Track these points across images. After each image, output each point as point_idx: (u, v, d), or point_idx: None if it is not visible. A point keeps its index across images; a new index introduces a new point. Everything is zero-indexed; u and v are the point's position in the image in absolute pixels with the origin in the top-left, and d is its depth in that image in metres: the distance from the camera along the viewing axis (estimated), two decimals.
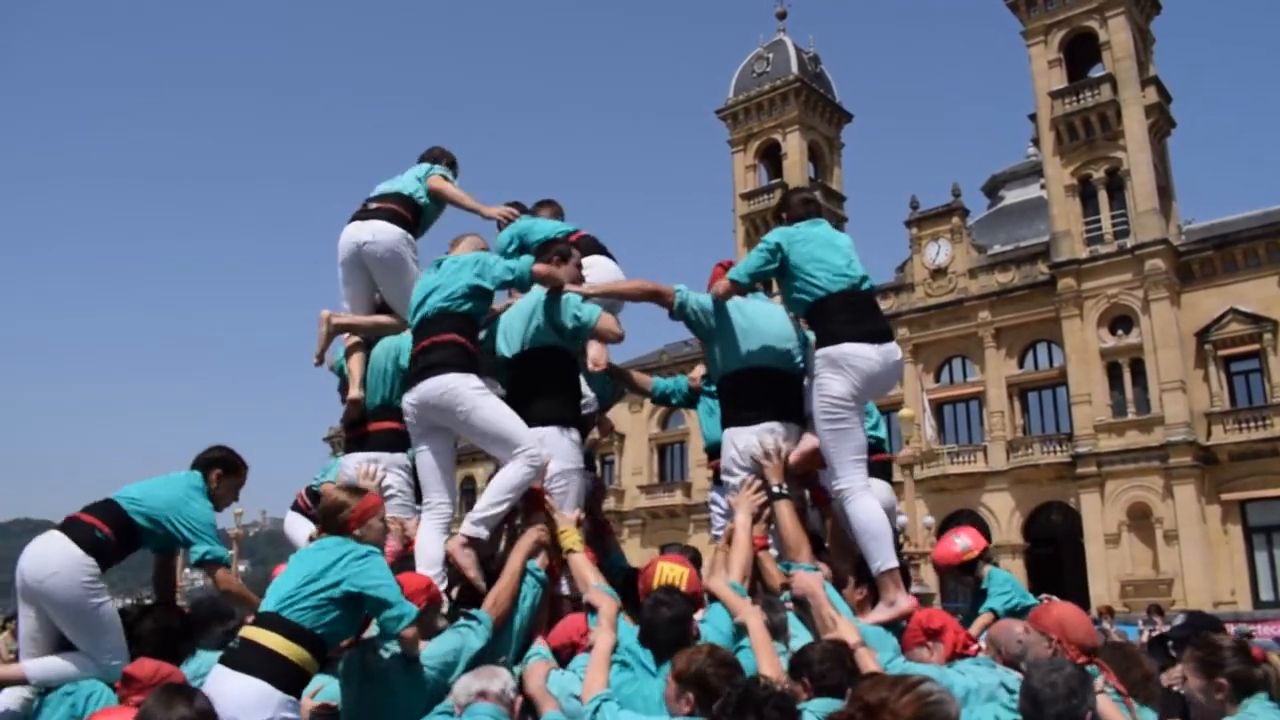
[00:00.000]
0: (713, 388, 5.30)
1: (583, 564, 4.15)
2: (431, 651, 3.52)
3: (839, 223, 41.68)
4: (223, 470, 4.48)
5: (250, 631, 3.36)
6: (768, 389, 4.65)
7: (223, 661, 3.31)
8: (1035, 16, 35.63)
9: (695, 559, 5.31)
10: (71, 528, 3.96)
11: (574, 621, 3.87)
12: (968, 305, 35.86)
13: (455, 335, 4.41)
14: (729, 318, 4.70)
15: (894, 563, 4.31)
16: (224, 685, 3.19)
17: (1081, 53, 35.42)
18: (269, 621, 3.35)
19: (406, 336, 4.93)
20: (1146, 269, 31.46)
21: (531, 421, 4.43)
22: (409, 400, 4.47)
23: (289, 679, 3.27)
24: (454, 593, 4.40)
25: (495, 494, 4.26)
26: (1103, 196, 33.49)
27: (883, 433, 5.54)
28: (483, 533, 4.24)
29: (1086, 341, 32.44)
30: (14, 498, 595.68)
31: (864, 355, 4.41)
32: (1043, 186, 37.07)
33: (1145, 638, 11.83)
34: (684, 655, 3.12)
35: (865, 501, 4.36)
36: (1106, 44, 34.02)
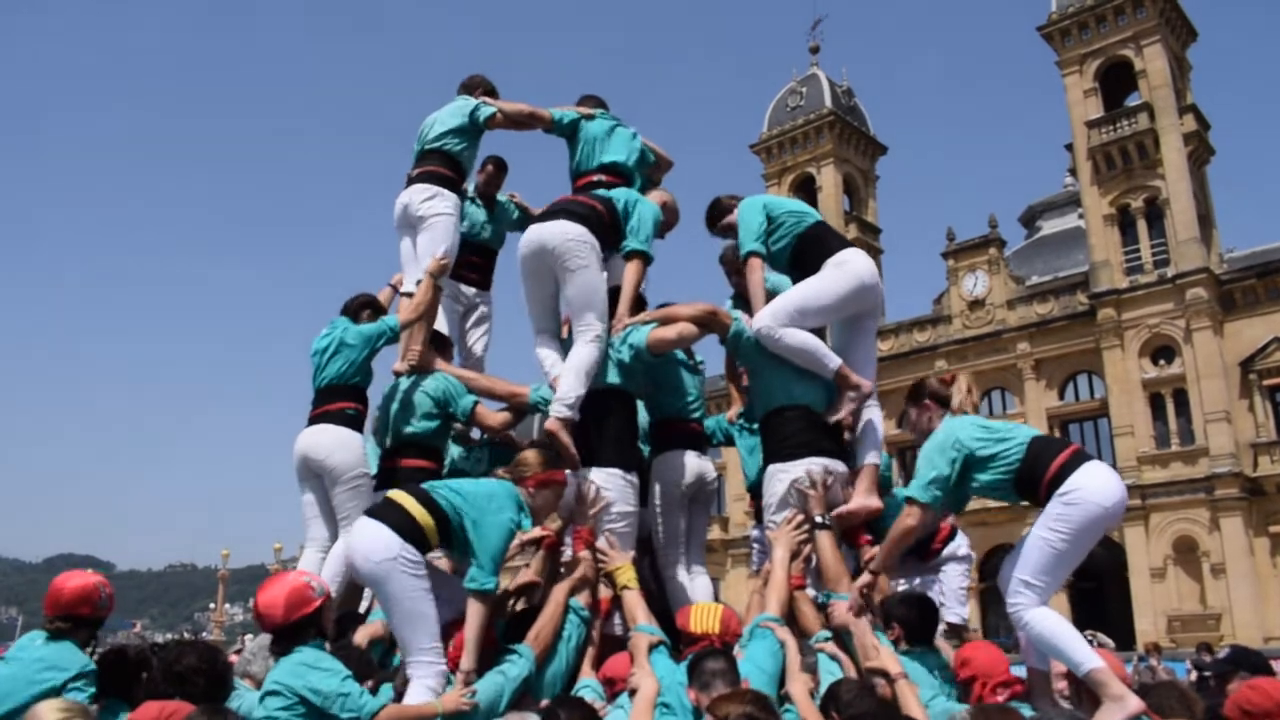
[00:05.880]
0: (753, 425, 5.27)
1: (635, 602, 4.16)
2: (476, 694, 3.52)
3: (874, 255, 41.61)
4: None
5: (394, 493, 3.83)
6: (816, 426, 4.62)
7: (366, 512, 3.83)
8: (1070, 46, 35.55)
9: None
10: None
11: (623, 660, 3.85)
12: (1006, 337, 35.59)
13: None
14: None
15: None
16: (358, 530, 3.74)
17: (1118, 81, 35.30)
18: (414, 490, 3.80)
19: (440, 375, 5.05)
20: (1188, 298, 31.07)
21: (595, 464, 4.51)
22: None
23: (412, 532, 3.67)
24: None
25: (574, 377, 4.50)
26: (1142, 226, 33.17)
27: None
28: (575, 416, 4.43)
29: (1128, 372, 32.04)
30: (56, 535, 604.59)
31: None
32: (1080, 216, 36.82)
33: (1194, 676, 11.58)
34: (718, 706, 2.95)
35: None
36: (1143, 72, 33.84)
